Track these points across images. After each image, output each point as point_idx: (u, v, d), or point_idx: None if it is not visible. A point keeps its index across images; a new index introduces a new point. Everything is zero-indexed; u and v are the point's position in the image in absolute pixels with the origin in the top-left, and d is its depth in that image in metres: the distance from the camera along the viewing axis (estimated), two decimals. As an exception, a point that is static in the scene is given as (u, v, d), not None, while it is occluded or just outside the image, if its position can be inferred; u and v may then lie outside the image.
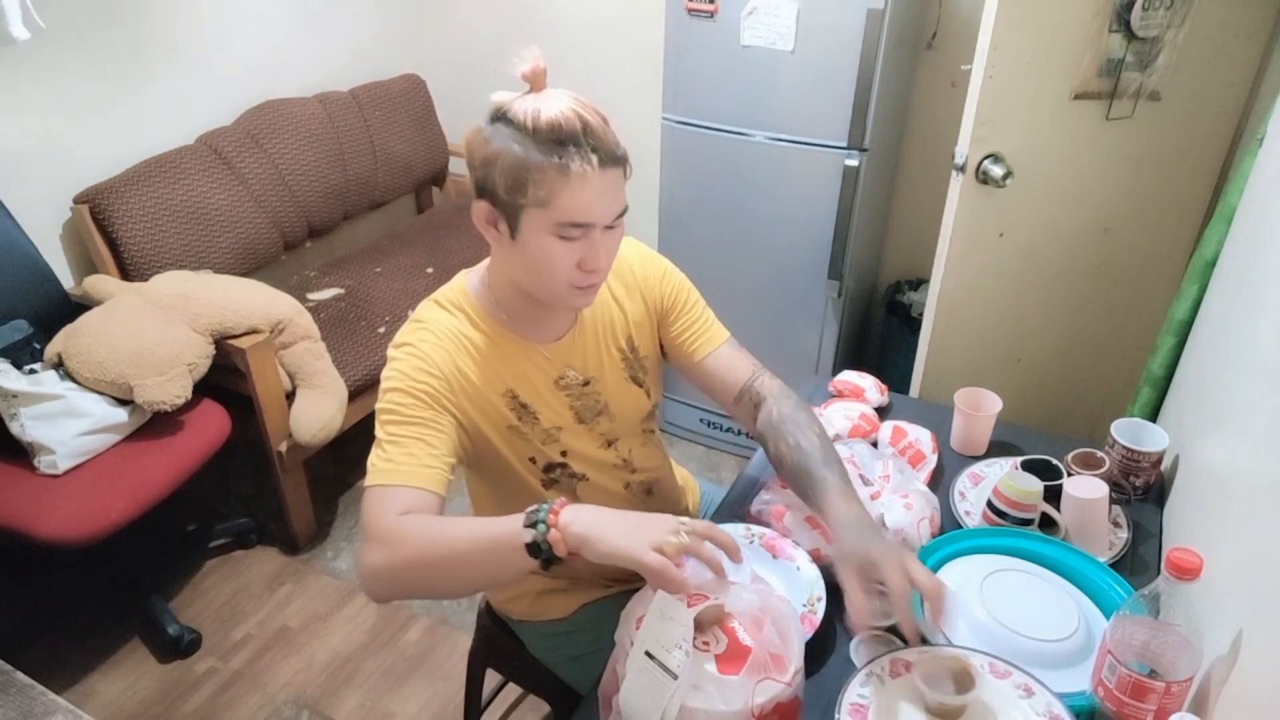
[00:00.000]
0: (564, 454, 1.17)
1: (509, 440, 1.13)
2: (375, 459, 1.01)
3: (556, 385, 1.15)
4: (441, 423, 1.04)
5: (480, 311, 1.11)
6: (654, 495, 1.30)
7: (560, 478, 1.19)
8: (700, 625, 0.88)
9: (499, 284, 1.11)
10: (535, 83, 0.98)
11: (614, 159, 0.98)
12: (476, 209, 1.03)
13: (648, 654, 0.85)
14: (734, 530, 1.22)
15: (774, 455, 1.17)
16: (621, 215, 1.02)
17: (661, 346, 1.26)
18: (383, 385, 1.05)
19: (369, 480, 0.99)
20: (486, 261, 1.14)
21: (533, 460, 1.16)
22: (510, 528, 0.89)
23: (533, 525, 0.88)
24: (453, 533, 0.92)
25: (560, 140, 0.94)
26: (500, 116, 0.97)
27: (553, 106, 0.95)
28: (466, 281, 1.14)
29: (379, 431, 1.03)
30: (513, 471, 1.16)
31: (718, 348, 1.25)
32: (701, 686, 0.84)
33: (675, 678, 0.82)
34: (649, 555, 0.84)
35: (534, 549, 0.87)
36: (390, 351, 1.08)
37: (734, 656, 0.87)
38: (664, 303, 1.23)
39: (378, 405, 1.05)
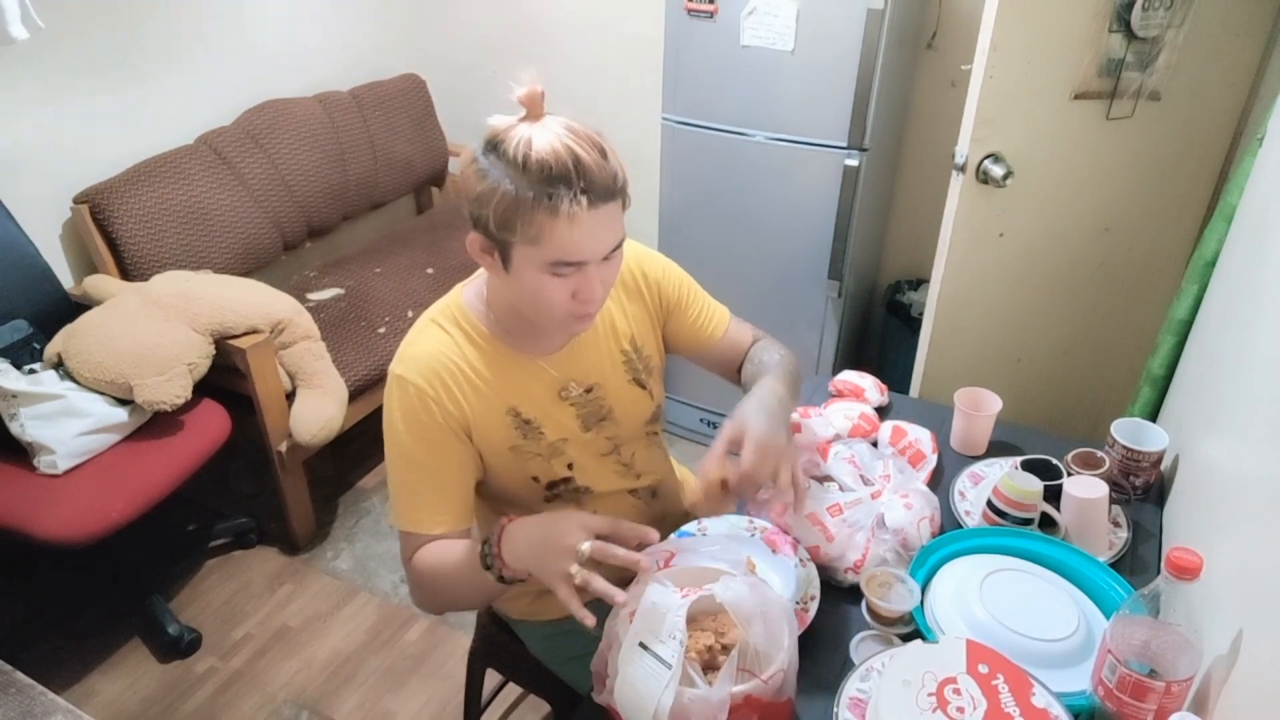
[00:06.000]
0: (570, 466, 1.16)
1: (509, 462, 1.13)
2: (392, 498, 1.08)
3: (560, 397, 1.15)
4: (448, 454, 1.07)
5: (477, 328, 1.10)
6: (659, 498, 1.30)
7: (563, 493, 1.18)
8: (694, 618, 0.90)
9: (496, 302, 1.10)
10: (532, 108, 0.94)
11: (609, 194, 0.93)
12: (470, 240, 1.01)
13: (641, 645, 0.86)
14: (735, 523, 1.23)
15: (742, 379, 1.24)
16: (618, 247, 1.00)
17: (666, 340, 1.27)
18: (385, 415, 1.08)
19: (391, 518, 1.09)
20: (482, 273, 1.11)
21: (535, 479, 1.15)
22: (478, 564, 0.98)
23: (488, 567, 0.97)
24: (451, 571, 1.03)
25: (549, 179, 0.90)
26: (493, 147, 0.93)
27: (544, 142, 0.90)
28: (463, 296, 1.12)
29: (389, 466, 1.08)
30: (513, 493, 1.17)
31: (728, 326, 1.30)
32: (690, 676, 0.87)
33: (669, 667, 0.84)
34: (561, 589, 0.90)
35: (500, 580, 0.97)
36: (389, 381, 1.07)
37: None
38: (669, 301, 1.24)
39: (385, 435, 1.08)
